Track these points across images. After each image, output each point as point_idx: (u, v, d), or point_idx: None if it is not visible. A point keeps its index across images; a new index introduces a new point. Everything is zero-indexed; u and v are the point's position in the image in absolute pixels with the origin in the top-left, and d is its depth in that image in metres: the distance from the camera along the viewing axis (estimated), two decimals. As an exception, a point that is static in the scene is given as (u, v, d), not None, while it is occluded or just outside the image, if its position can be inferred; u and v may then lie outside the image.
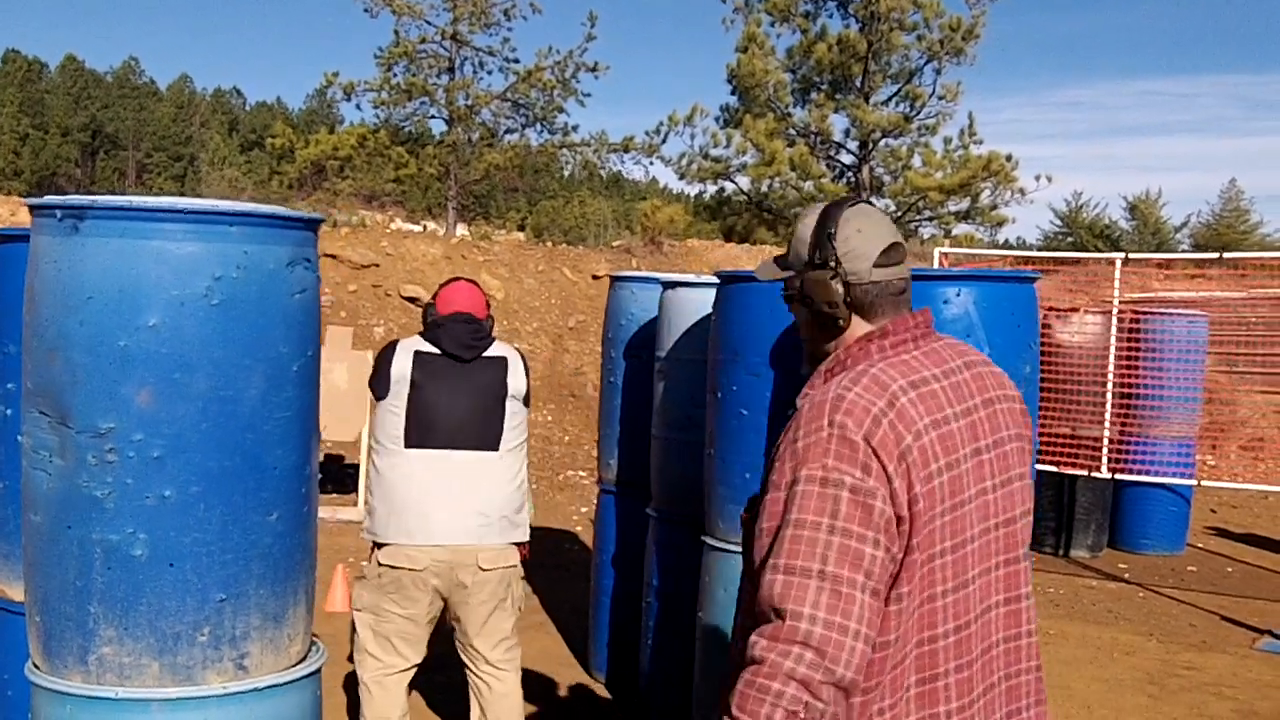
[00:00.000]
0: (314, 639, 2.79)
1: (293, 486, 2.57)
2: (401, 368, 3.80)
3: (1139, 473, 8.78)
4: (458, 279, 4.10)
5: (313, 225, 2.60)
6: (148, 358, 2.34)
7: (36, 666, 2.52)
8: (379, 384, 3.85)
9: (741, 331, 4.20)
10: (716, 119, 26.65)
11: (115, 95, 68.06)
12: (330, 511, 9.72)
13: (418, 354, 3.85)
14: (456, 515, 3.81)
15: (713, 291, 4.45)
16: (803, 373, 2.08)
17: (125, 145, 65.05)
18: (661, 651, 4.99)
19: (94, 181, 58.36)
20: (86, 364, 2.34)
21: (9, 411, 2.99)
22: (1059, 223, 39.90)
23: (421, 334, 3.91)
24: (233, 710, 2.49)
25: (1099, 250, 25.95)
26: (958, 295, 3.40)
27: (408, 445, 3.78)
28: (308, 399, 2.60)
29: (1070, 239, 37.62)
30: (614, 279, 5.84)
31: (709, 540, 4.37)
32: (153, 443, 2.36)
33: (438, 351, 3.86)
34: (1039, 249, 35.69)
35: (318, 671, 2.72)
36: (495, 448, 3.90)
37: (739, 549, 4.18)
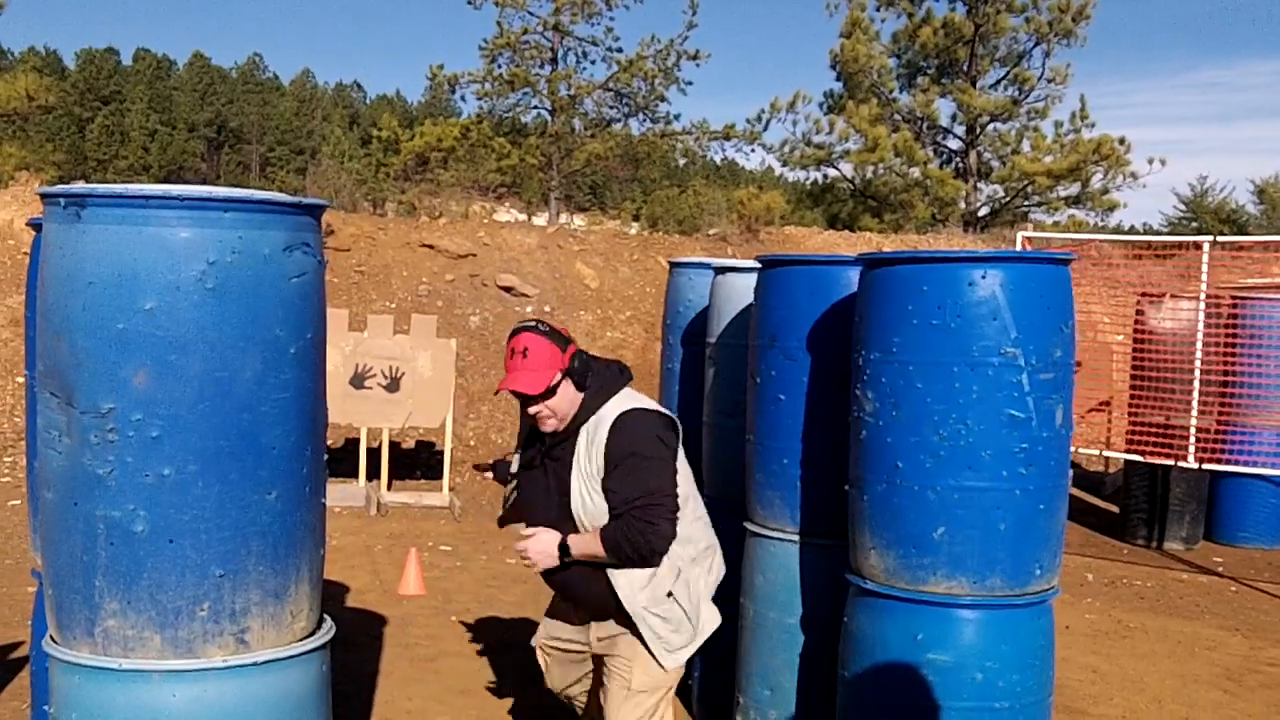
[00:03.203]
0: (324, 616, 2.85)
1: (293, 467, 2.63)
2: (675, 435, 3.49)
3: (1237, 463, 8.46)
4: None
5: (312, 210, 2.65)
6: (145, 340, 2.42)
7: (53, 639, 2.63)
8: (676, 451, 3.46)
9: (779, 316, 4.17)
10: (820, 105, 26.41)
11: (240, 91, 70.18)
12: (415, 497, 9.91)
13: None
14: None
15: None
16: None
17: (249, 140, 67.03)
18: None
19: (219, 175, 60.23)
20: (88, 346, 2.43)
21: (42, 393, 3.12)
22: (1182, 207, 38.64)
23: (618, 379, 3.49)
24: (233, 683, 2.56)
25: (1224, 235, 25.03)
26: (983, 277, 3.32)
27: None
28: (308, 381, 2.65)
29: (1195, 224, 36.36)
30: (672, 265, 5.84)
31: (749, 526, 4.36)
32: (151, 422, 2.44)
33: None
34: (1167, 234, 34.53)
35: (324, 647, 2.78)
36: None
37: (779, 535, 4.18)
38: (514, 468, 3.64)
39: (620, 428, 3.29)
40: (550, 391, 3.30)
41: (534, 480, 3.50)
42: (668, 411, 3.45)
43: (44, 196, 2.52)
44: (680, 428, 3.45)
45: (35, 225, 3.28)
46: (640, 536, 3.24)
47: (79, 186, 2.44)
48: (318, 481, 2.74)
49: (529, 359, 3.27)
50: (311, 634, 2.74)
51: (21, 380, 11.36)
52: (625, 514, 3.25)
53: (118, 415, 2.44)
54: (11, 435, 10.59)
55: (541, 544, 3.36)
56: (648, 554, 3.27)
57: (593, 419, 3.35)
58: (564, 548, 3.33)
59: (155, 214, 2.42)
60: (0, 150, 18.96)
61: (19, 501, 8.99)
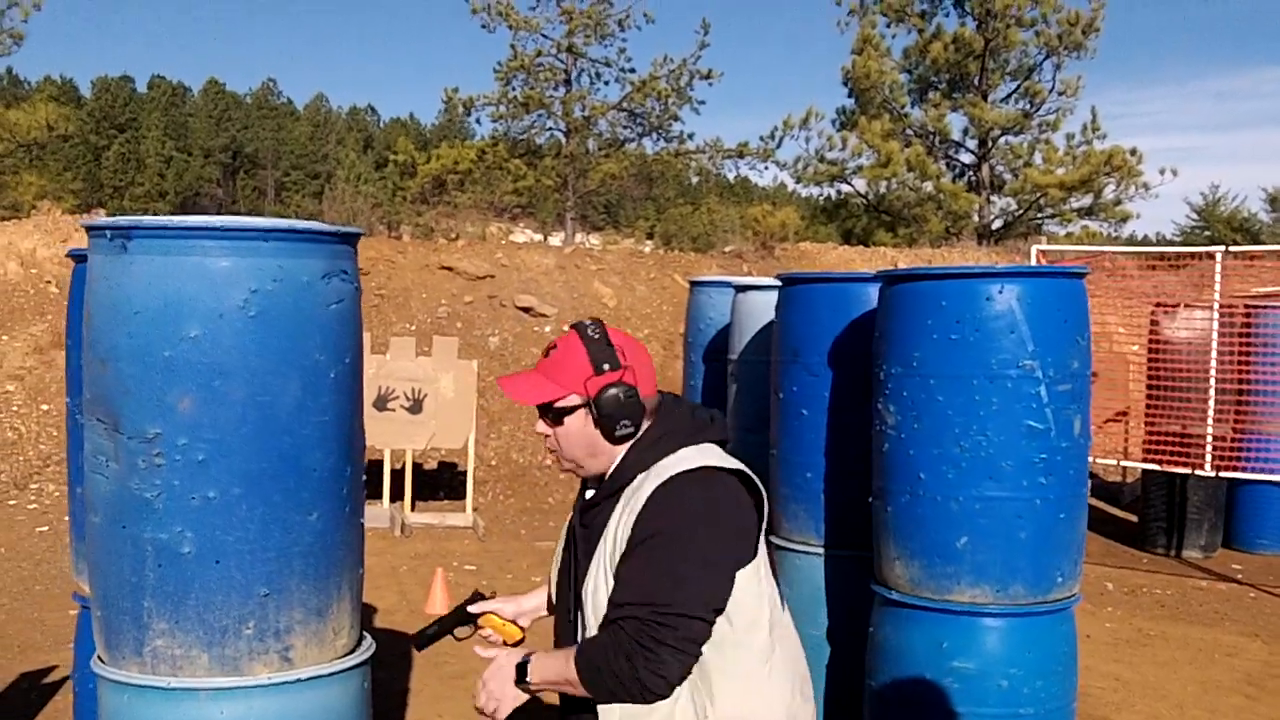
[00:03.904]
0: (364, 633, 2.92)
1: (333, 488, 2.70)
2: (752, 515, 2.30)
3: (1253, 471, 8.48)
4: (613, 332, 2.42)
5: (349, 239, 2.73)
6: (190, 367, 2.50)
7: (101, 659, 2.70)
8: (751, 535, 2.29)
9: (801, 332, 4.25)
10: (832, 121, 26.56)
11: (255, 116, 70.67)
12: (439, 517, 9.99)
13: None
14: (809, 689, 2.46)
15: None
16: None
17: (264, 165, 67.45)
18: None
19: (235, 201, 60.64)
20: (135, 374, 2.51)
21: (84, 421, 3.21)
22: (1195, 217, 38.61)
23: (681, 434, 2.35)
24: (278, 700, 2.62)
25: (1237, 244, 25.04)
26: (1000, 292, 3.40)
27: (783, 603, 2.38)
28: (346, 404, 2.72)
29: (1207, 233, 36.34)
30: (693, 284, 5.93)
31: (774, 539, 4.42)
32: (197, 447, 2.52)
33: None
34: (1180, 244, 34.54)
35: (366, 663, 2.85)
36: None
37: (804, 548, 4.24)
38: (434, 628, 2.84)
39: (664, 495, 2.22)
40: (554, 413, 2.37)
41: (564, 562, 2.51)
42: (758, 487, 2.31)
43: (89, 229, 2.61)
44: (763, 517, 2.30)
45: (76, 256, 3.38)
46: (626, 662, 2.16)
47: (124, 219, 2.52)
48: (357, 502, 2.81)
49: (549, 361, 2.40)
50: (352, 651, 2.81)
51: (47, 408, 11.50)
52: (615, 624, 2.21)
53: (164, 440, 2.51)
54: (37, 463, 10.71)
55: (495, 674, 2.37)
56: (635, 692, 2.18)
57: (639, 477, 2.30)
58: (523, 670, 2.33)
59: (199, 244, 2.50)
60: (20, 180, 19.19)
61: (46, 528, 9.10)
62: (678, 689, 2.21)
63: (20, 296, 12.91)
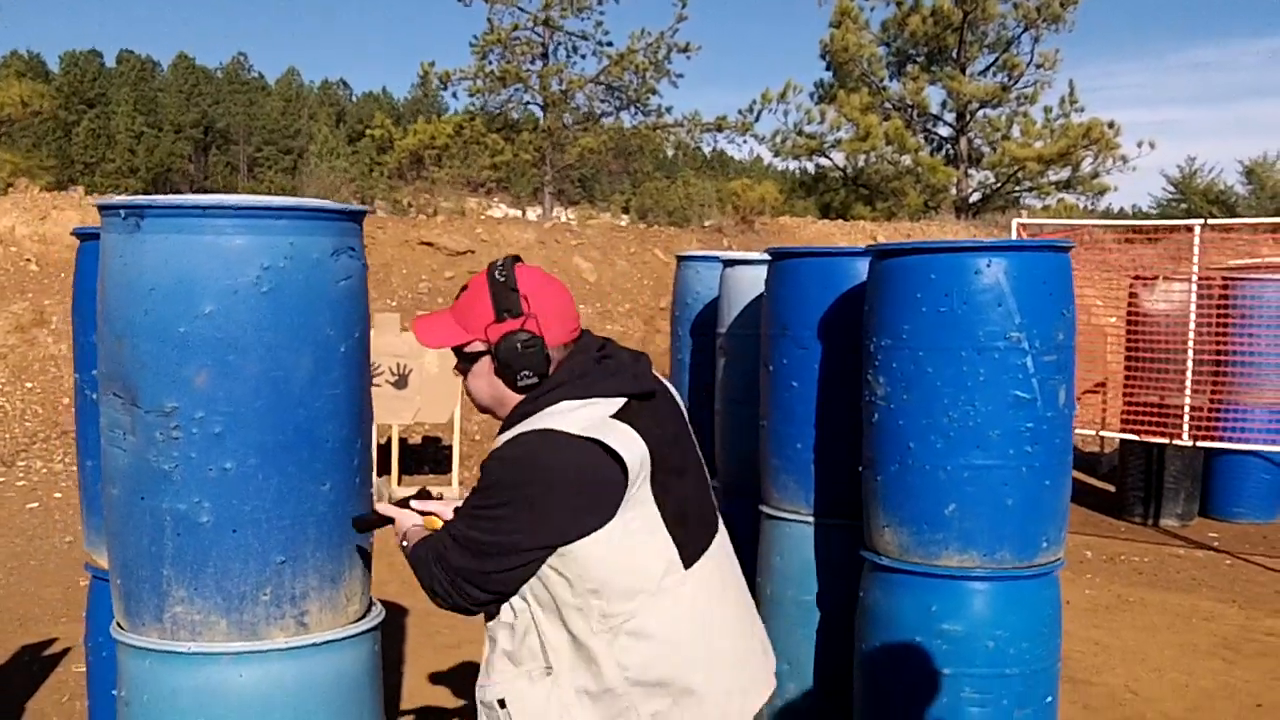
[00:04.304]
0: (373, 600, 3.00)
1: (344, 458, 2.77)
2: (635, 454, 2.15)
3: (1230, 440, 8.65)
4: (529, 269, 2.34)
5: (355, 216, 2.80)
6: (205, 343, 2.56)
7: (120, 626, 2.77)
8: (600, 504, 2.14)
9: (790, 306, 4.33)
10: (810, 95, 26.62)
11: (226, 91, 70.14)
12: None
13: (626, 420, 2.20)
14: (759, 644, 2.45)
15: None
16: None
17: (236, 140, 66.97)
18: None
19: (206, 177, 60.22)
20: (151, 349, 2.57)
21: (95, 396, 3.26)
22: (1172, 189, 38.90)
23: (571, 385, 2.24)
24: (295, 663, 2.70)
25: (1213, 216, 25.27)
26: (988, 266, 3.49)
27: (687, 565, 2.24)
28: (356, 378, 2.79)
29: (1184, 205, 36.63)
30: (680, 259, 6.00)
31: (764, 509, 4.52)
32: (213, 420, 2.58)
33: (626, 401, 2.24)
34: (1157, 217, 34.81)
35: (376, 628, 2.93)
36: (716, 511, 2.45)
37: (794, 517, 4.34)
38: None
39: (499, 454, 2.20)
40: (462, 357, 2.33)
41: None
42: (621, 456, 2.12)
43: (102, 209, 2.66)
44: (629, 480, 2.13)
45: (81, 235, 3.43)
46: (438, 569, 2.23)
47: (139, 198, 2.57)
48: (366, 472, 2.88)
49: (459, 302, 2.33)
50: (364, 616, 2.89)
51: (31, 385, 11.49)
52: (441, 536, 2.27)
53: (181, 414, 2.58)
54: (24, 440, 10.72)
55: (397, 525, 2.51)
56: (428, 589, 2.27)
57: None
58: (403, 537, 2.45)
59: (212, 223, 2.56)
60: (-3, 158, 19.06)
61: (36, 504, 9.13)
62: (554, 659, 2.21)
63: (1, 275, 12.86)
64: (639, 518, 2.17)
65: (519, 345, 2.23)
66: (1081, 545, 8.38)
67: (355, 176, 29.88)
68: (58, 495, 9.42)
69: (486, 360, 2.30)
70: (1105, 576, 7.63)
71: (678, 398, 2.45)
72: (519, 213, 24.88)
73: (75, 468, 9.70)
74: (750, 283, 4.94)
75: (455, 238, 15.71)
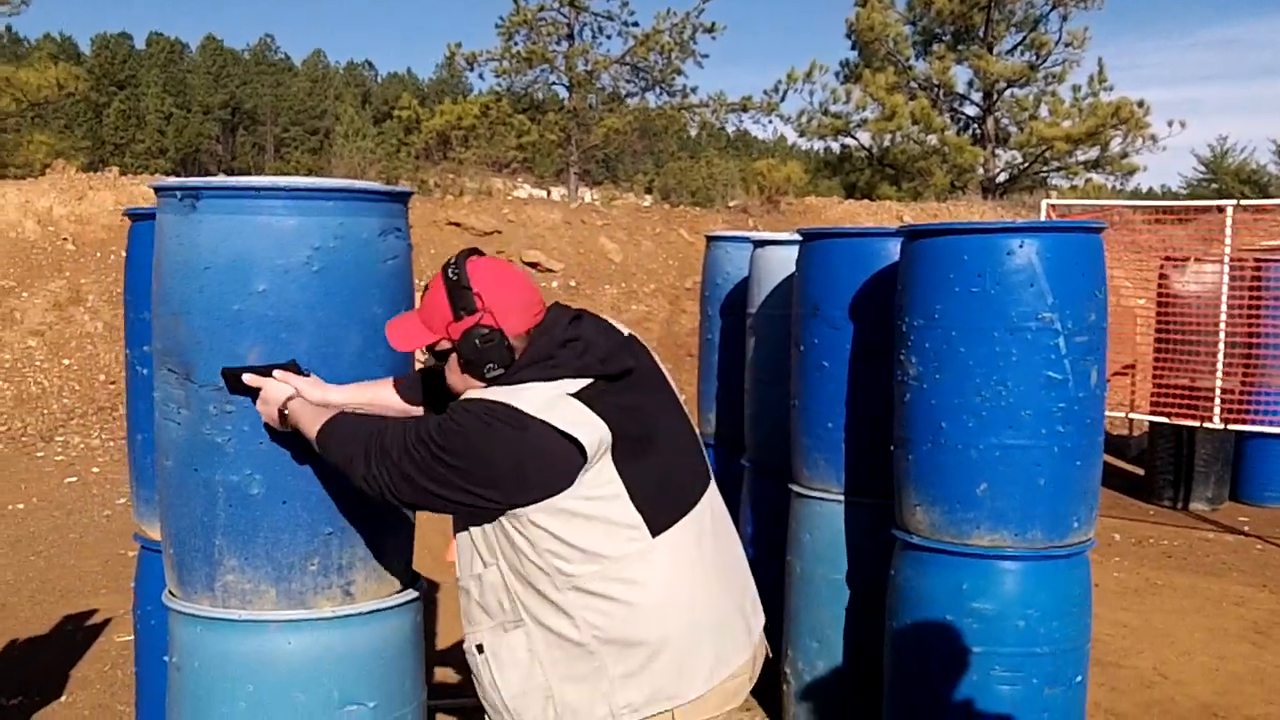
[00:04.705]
0: (416, 573, 3.07)
1: (390, 434, 2.84)
2: (590, 433, 2.24)
3: (1261, 424, 8.63)
4: (477, 255, 2.43)
5: (402, 198, 2.86)
6: (258, 320, 2.63)
7: (172, 594, 2.86)
8: (547, 478, 2.24)
9: (821, 286, 4.37)
10: (836, 75, 26.52)
11: (253, 72, 70.32)
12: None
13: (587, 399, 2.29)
14: (737, 607, 2.52)
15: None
16: None
17: (263, 121, 67.20)
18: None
19: (234, 157, 60.50)
20: (206, 326, 2.65)
21: (145, 371, 3.35)
22: (1203, 169, 38.57)
23: (535, 368, 2.33)
24: (341, 632, 2.78)
25: (1245, 196, 25.09)
26: (1020, 246, 3.52)
27: (655, 533, 2.32)
28: (401, 355, 2.86)
29: (1215, 185, 36.33)
30: (710, 239, 6.04)
31: (795, 488, 4.57)
32: (265, 395, 2.65)
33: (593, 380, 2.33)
34: (1188, 197, 34.53)
35: (418, 599, 3.00)
36: (708, 473, 2.56)
37: (824, 495, 4.39)
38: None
39: (472, 403, 2.30)
40: (435, 354, 2.45)
41: None
42: (574, 435, 2.22)
43: (158, 190, 2.74)
44: (585, 462, 2.24)
45: (133, 215, 3.50)
46: (377, 457, 2.31)
47: (194, 180, 2.65)
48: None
49: (423, 303, 2.43)
50: (408, 587, 2.97)
51: (68, 362, 11.65)
52: (384, 429, 2.35)
53: (234, 388, 2.65)
54: (61, 416, 10.88)
55: (265, 400, 2.55)
56: (348, 474, 2.38)
57: None
58: (283, 409, 2.51)
59: (265, 204, 2.63)
60: (33, 139, 19.22)
61: (74, 479, 9.28)
62: (524, 613, 2.32)
63: (38, 254, 13.01)
64: (597, 489, 2.26)
65: (478, 341, 2.33)
66: (1110, 528, 8.40)
67: (381, 157, 29.96)
68: (95, 470, 9.57)
69: (455, 356, 2.39)
70: (1134, 560, 7.65)
71: (662, 368, 2.54)
72: (543, 193, 24.92)
73: (111, 443, 9.88)
74: (780, 263, 4.98)
75: (483, 218, 15.78)
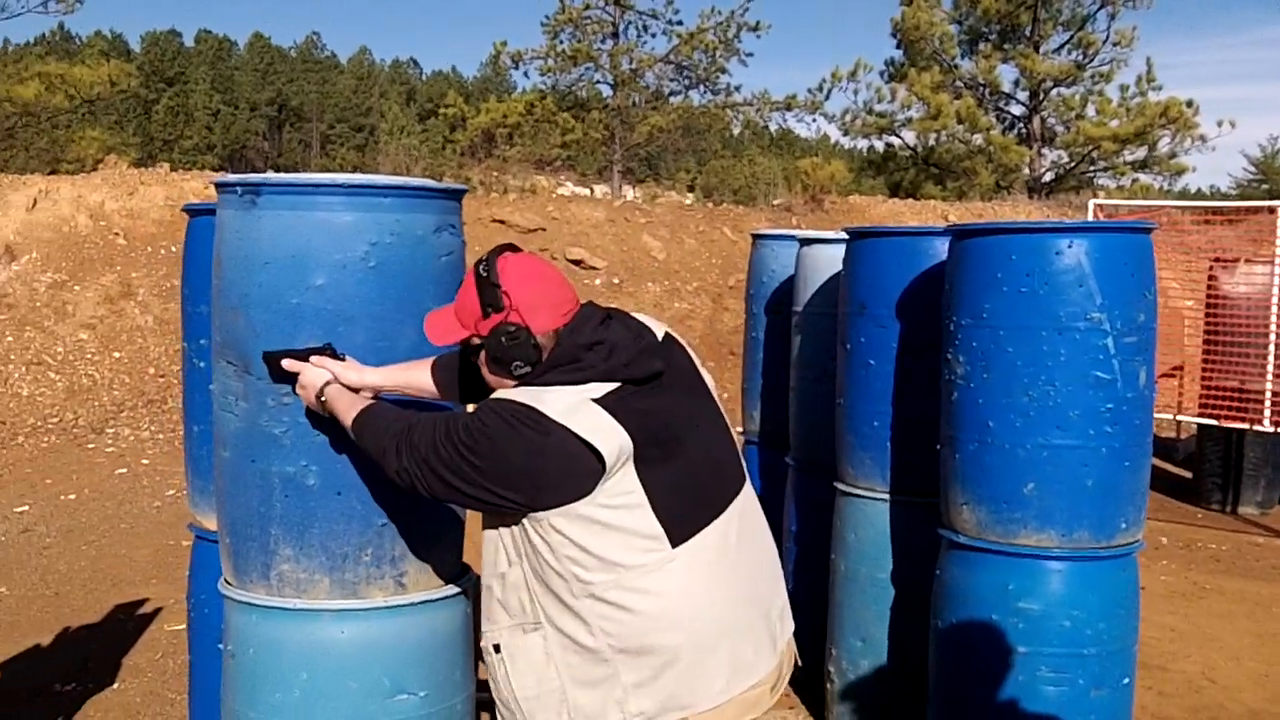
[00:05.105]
0: (466, 564, 3.11)
1: (443, 427, 2.88)
2: (610, 442, 2.22)
3: (1313, 427, 8.52)
4: (511, 252, 2.44)
5: (456, 195, 2.90)
6: (315, 314, 2.68)
7: (228, 582, 2.92)
8: (565, 485, 2.24)
9: (868, 285, 4.38)
10: (881, 73, 26.41)
11: (299, 70, 70.88)
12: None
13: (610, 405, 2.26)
14: (763, 615, 2.47)
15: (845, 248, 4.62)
16: None
17: (309, 118, 67.71)
18: (797, 591, 5.22)
19: (280, 154, 61.02)
20: (265, 320, 2.70)
21: (202, 364, 3.41)
22: (1252, 169, 38.06)
23: (560, 371, 2.31)
24: (393, 621, 2.83)
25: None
26: (1069, 247, 3.51)
27: (675, 543, 2.29)
28: (454, 350, 2.90)
29: (1265, 186, 35.85)
30: (755, 237, 6.05)
31: (840, 486, 4.58)
32: (322, 387, 2.70)
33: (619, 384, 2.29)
34: (1237, 197, 34.08)
35: (468, 590, 3.04)
36: (742, 476, 2.52)
37: (870, 494, 4.40)
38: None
39: (499, 403, 2.29)
40: (470, 349, 2.45)
41: None
42: (592, 444, 2.20)
43: (219, 186, 2.79)
44: (604, 469, 2.22)
45: (190, 210, 3.57)
46: (406, 450, 2.32)
47: (254, 176, 2.70)
48: (462, 441, 2.99)
49: (457, 299, 2.45)
50: (459, 579, 3.01)
51: (119, 355, 11.84)
52: (415, 424, 2.36)
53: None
54: (111, 408, 11.05)
55: (304, 384, 2.61)
56: (380, 462, 2.40)
57: None
58: (322, 392, 2.58)
59: (323, 200, 2.68)
60: (85, 135, 19.52)
61: (125, 470, 9.43)
62: (542, 616, 2.33)
63: (90, 248, 13.22)
64: (617, 497, 2.25)
65: (504, 339, 2.32)
66: (1157, 532, 8.33)
67: (426, 154, 30.14)
68: (145, 462, 9.72)
69: (485, 352, 2.38)
70: (1181, 563, 7.58)
71: (700, 367, 2.51)
72: (586, 191, 24.98)
73: (161, 435, 10.03)
74: (827, 261, 4.98)
75: (527, 215, 15.85)
